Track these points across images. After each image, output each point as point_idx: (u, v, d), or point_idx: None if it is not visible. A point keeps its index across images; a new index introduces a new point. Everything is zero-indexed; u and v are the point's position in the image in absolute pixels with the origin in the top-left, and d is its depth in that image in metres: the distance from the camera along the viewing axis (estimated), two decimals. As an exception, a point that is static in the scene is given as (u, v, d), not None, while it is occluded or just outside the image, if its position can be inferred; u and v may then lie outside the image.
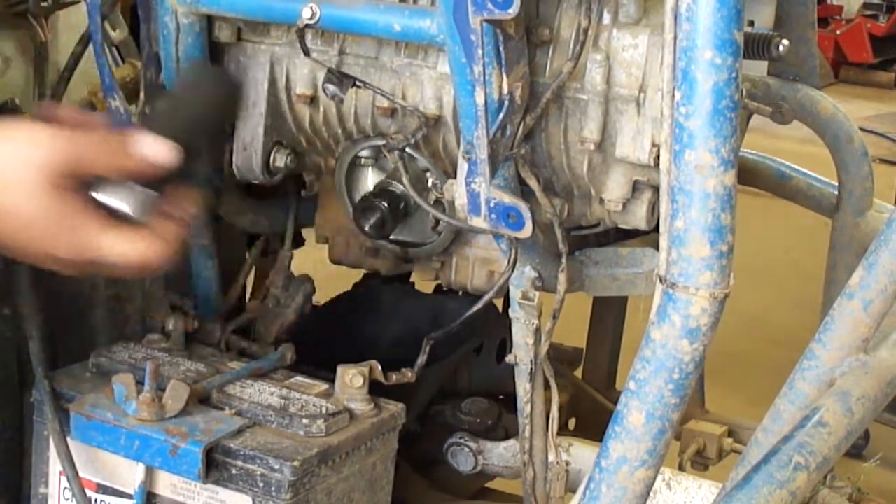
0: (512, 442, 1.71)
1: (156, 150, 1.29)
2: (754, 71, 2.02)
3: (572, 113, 1.46)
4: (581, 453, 1.72)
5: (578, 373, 2.22)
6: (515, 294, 1.52)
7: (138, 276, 1.43)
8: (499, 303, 1.79)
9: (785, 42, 1.81)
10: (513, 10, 1.30)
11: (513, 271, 1.50)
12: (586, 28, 1.42)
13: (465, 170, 1.44)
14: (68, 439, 1.46)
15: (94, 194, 1.27)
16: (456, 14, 1.34)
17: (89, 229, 1.26)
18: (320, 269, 1.80)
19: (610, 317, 2.23)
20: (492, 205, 1.44)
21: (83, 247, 1.26)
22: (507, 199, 1.44)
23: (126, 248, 1.27)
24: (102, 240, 1.26)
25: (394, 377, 1.54)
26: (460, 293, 1.68)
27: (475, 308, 1.55)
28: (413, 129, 1.51)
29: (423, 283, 1.76)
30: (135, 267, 1.30)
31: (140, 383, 1.43)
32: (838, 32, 9.55)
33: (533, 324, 1.51)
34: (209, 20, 1.58)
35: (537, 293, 1.52)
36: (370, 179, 1.62)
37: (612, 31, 1.44)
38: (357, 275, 1.83)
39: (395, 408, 1.51)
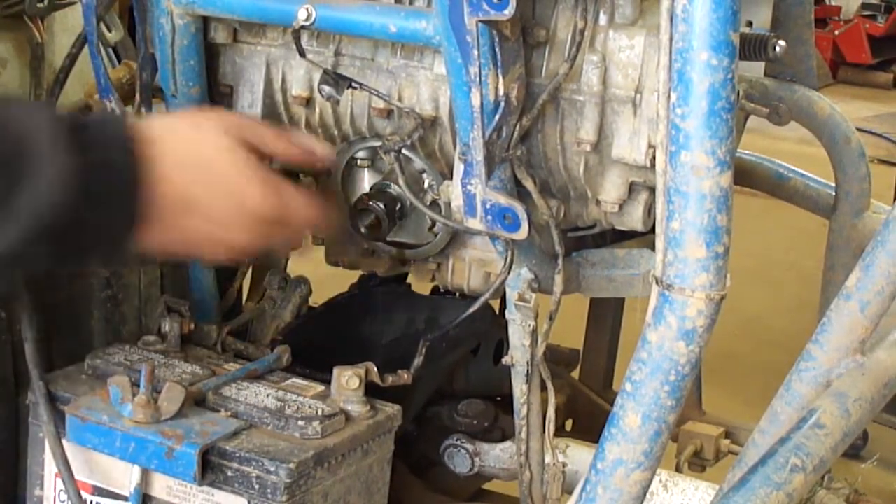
0: (508, 443, 1.71)
1: (320, 146, 1.49)
2: (751, 72, 2.02)
3: (569, 114, 1.45)
4: (578, 455, 1.72)
5: (575, 374, 2.22)
6: (512, 295, 1.52)
7: (309, 231, 1.53)
8: (496, 304, 1.79)
9: (782, 43, 1.81)
10: (508, 11, 1.30)
11: (509, 273, 1.50)
12: (582, 29, 1.41)
13: (461, 171, 1.44)
14: (64, 441, 1.46)
15: None
16: (452, 15, 1.34)
17: (276, 179, 1.40)
18: (317, 270, 1.80)
19: (607, 318, 2.22)
20: (488, 206, 1.44)
21: (275, 191, 1.39)
22: (504, 200, 1.43)
23: (307, 198, 1.42)
24: (288, 187, 1.41)
25: (390, 379, 1.54)
26: (457, 295, 1.67)
27: (472, 309, 1.55)
28: (409, 130, 1.51)
29: (420, 284, 1.76)
30: (312, 217, 1.44)
31: (136, 385, 1.42)
32: (836, 33, 9.55)
33: (529, 325, 1.51)
34: (205, 21, 1.58)
35: (534, 294, 1.52)
36: (366, 181, 1.61)
37: (608, 33, 1.43)
38: (353, 276, 1.82)
39: (391, 409, 1.51)
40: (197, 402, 1.47)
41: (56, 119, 1.23)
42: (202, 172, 1.35)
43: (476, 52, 1.34)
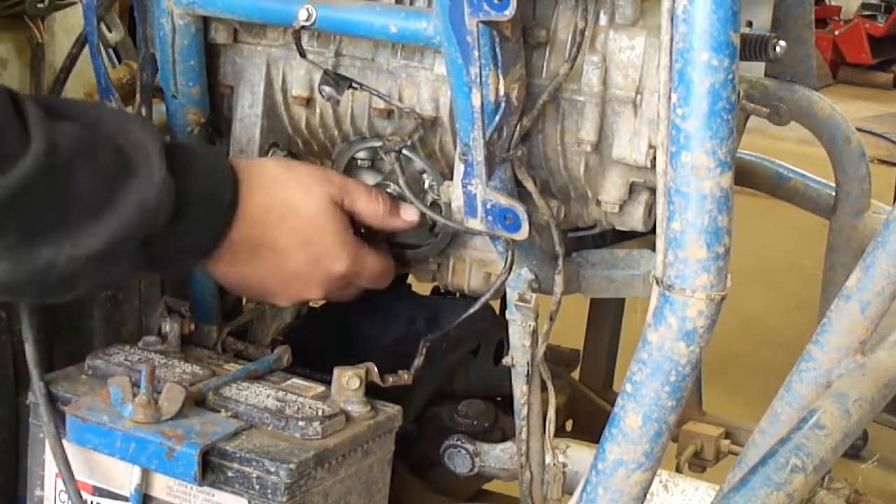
0: (509, 444, 1.70)
1: (409, 212, 1.52)
2: (751, 72, 2.02)
3: (569, 114, 1.45)
4: (578, 455, 1.72)
5: (576, 374, 2.22)
6: (512, 296, 1.52)
7: (374, 285, 1.57)
8: (496, 304, 1.78)
9: (782, 43, 1.81)
10: (509, 12, 1.30)
11: (509, 273, 1.50)
12: (583, 29, 1.41)
13: (461, 171, 1.44)
14: (64, 442, 1.46)
15: None
16: (452, 15, 1.34)
17: (357, 243, 1.48)
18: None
19: (607, 318, 2.22)
20: (488, 206, 1.44)
21: (354, 255, 1.46)
22: (504, 200, 1.43)
23: (379, 261, 1.51)
24: (367, 252, 1.49)
25: (390, 379, 1.54)
26: (457, 295, 1.67)
27: (472, 310, 1.55)
28: (409, 130, 1.51)
29: (420, 284, 1.75)
30: (379, 279, 1.52)
31: (136, 385, 1.42)
32: (836, 33, 9.56)
33: (530, 325, 1.51)
34: (205, 21, 1.58)
35: (534, 295, 1.52)
36: (367, 181, 1.61)
37: (608, 33, 1.43)
38: (354, 276, 1.82)
39: (391, 410, 1.51)
40: (197, 402, 1.46)
41: (161, 138, 1.32)
42: (287, 220, 1.40)
43: (476, 53, 1.34)
